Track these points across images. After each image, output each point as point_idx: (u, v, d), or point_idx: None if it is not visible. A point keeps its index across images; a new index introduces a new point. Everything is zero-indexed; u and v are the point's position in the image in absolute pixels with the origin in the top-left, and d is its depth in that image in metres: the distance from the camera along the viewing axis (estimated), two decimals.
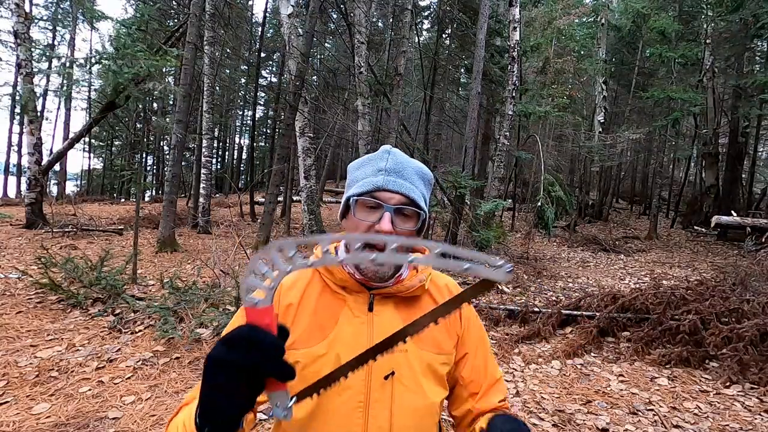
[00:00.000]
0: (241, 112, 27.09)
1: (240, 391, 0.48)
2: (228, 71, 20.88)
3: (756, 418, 2.46)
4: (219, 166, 25.92)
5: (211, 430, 0.51)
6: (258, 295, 0.50)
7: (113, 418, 2.14)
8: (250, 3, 18.59)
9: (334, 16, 13.23)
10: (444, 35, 13.02)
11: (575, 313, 3.93)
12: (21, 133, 16.78)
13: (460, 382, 0.82)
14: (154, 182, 20.58)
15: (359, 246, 0.53)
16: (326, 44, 19.01)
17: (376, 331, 0.74)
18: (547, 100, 11.24)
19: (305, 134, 8.18)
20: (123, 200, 18.18)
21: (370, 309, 0.77)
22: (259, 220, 9.13)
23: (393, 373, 0.73)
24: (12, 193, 18.61)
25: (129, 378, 2.54)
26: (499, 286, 5.18)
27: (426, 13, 15.37)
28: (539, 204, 6.48)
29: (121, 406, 2.25)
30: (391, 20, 13.54)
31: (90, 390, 2.37)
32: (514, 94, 7.86)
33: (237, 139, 29.55)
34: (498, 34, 10.03)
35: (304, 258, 0.50)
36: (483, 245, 6.21)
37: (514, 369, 3.07)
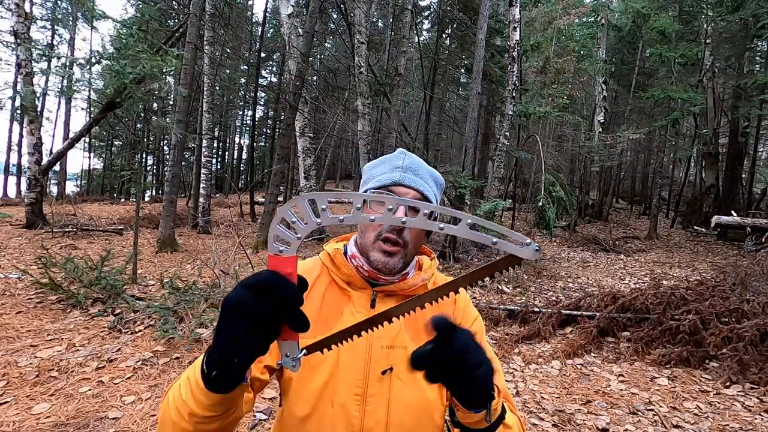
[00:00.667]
0: (241, 112, 27.10)
1: (256, 336, 0.48)
2: (228, 71, 20.87)
3: (756, 418, 2.46)
4: (219, 166, 25.95)
5: (218, 375, 0.52)
6: (283, 243, 0.50)
7: (113, 418, 2.14)
8: (250, 3, 18.60)
9: (334, 16, 13.22)
10: (444, 35, 13.02)
11: (575, 313, 3.93)
12: (21, 133, 16.78)
13: None
14: (154, 182, 20.59)
15: (393, 206, 0.51)
16: (326, 44, 19.00)
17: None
18: (547, 100, 11.24)
19: (305, 134, 8.19)
20: (123, 200, 18.18)
21: (372, 306, 0.79)
22: (259, 220, 9.13)
23: (391, 369, 0.75)
24: (12, 193, 18.61)
25: (129, 378, 2.54)
26: (499, 286, 5.19)
27: (426, 13, 15.35)
28: (540, 204, 6.48)
29: (121, 406, 2.25)
30: (391, 20, 13.54)
31: (90, 390, 2.37)
32: (514, 94, 7.85)
33: (237, 139, 29.60)
34: (498, 34, 10.02)
35: (332, 215, 0.50)
36: (483, 245, 6.22)
37: (514, 369, 3.07)
